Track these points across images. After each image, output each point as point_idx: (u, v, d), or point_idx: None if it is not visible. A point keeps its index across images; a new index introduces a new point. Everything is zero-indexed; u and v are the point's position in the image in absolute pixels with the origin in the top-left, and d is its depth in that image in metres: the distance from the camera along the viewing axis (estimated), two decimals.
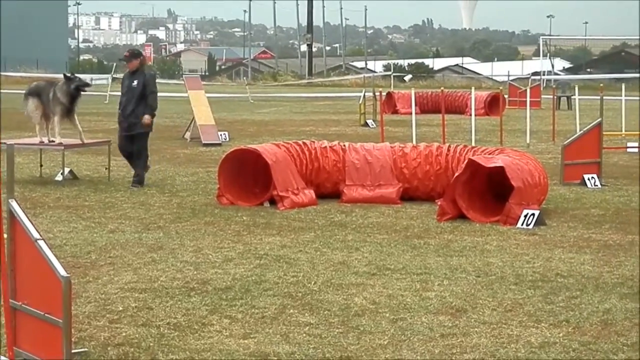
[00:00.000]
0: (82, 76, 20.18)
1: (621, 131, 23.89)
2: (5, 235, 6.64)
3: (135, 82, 16.13)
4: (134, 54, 16.83)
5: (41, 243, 6.29)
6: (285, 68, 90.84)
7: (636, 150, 22.23)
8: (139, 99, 16.09)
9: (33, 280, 6.51)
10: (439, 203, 13.79)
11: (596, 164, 17.41)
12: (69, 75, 16.76)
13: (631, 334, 8.11)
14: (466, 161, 13.88)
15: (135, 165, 16.31)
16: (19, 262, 6.63)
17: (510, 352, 7.63)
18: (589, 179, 16.93)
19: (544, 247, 11.80)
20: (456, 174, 13.80)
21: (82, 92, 16.72)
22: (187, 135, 25.30)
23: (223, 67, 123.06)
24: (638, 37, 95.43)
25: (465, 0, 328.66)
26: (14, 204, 6.51)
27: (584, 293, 9.52)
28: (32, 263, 6.44)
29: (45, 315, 6.35)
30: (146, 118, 16.04)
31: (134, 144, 16.24)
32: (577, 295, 9.45)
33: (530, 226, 12.86)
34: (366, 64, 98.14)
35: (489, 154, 14.30)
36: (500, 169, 13.37)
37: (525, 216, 13.00)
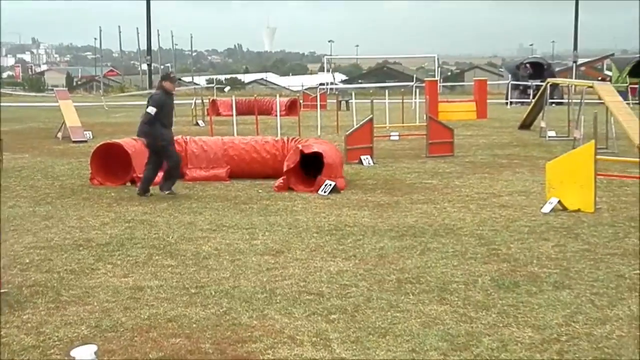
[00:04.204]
0: None
1: (386, 124, 24.73)
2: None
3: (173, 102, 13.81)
4: (173, 77, 13.91)
5: None
6: (130, 83, 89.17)
7: (397, 138, 23.20)
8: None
9: None
10: (279, 181, 13.95)
11: (369, 148, 17.94)
12: None
13: (399, 262, 8.71)
14: (294, 149, 14.13)
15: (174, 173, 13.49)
16: None
17: (316, 278, 8.05)
18: (364, 159, 17.47)
19: (336, 207, 12.19)
20: (287, 158, 14.01)
21: None
22: (59, 134, 24.75)
23: (79, 82, 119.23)
24: (395, 57, 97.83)
25: (266, 29, 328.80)
26: None
27: (365, 237, 10.00)
28: None
29: None
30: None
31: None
32: (360, 238, 9.92)
33: (326, 193, 13.32)
34: (193, 78, 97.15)
35: (305, 143, 14.48)
36: (317, 153, 13.82)
37: (325, 185, 13.51)
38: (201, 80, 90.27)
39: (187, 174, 15.22)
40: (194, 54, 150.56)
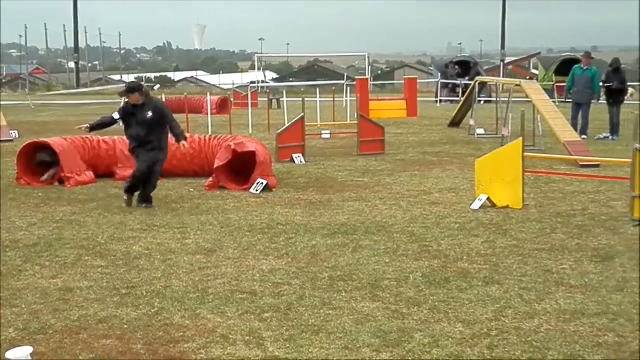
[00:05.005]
0: None
1: (317, 123, 24.80)
2: None
3: (150, 114, 11.94)
4: (131, 88, 12.40)
5: None
6: (57, 81, 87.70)
7: (328, 136, 23.27)
8: (155, 129, 12.04)
9: None
10: (210, 180, 13.87)
11: (301, 146, 17.97)
12: None
13: (331, 260, 8.75)
14: (225, 147, 14.03)
15: (146, 187, 12.21)
16: None
17: (248, 277, 8.05)
18: (296, 157, 17.48)
19: (268, 205, 12.19)
20: (218, 156, 13.91)
21: None
22: None
23: (4, 81, 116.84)
24: (326, 55, 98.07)
25: (196, 27, 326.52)
26: None
27: (297, 235, 10.03)
28: None
29: None
30: (184, 144, 12.19)
31: (153, 172, 12.13)
32: (292, 236, 9.94)
33: (259, 191, 13.31)
34: (122, 77, 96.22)
35: (237, 141, 14.34)
36: (249, 152, 13.76)
37: (257, 184, 13.49)
38: (130, 78, 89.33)
39: (117, 173, 15.06)
40: (122, 52, 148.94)
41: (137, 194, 12.31)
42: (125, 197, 12.26)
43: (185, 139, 12.32)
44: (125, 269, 8.44)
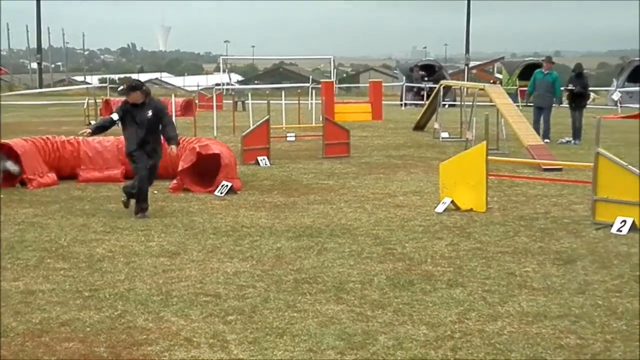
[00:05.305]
0: None
1: (282, 125, 24.78)
2: None
3: (150, 114, 11.32)
4: (132, 86, 11.65)
5: None
6: (19, 81, 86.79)
7: (293, 139, 23.26)
8: (155, 130, 11.47)
9: None
10: (174, 182, 13.80)
11: (266, 149, 17.89)
12: None
13: (296, 263, 8.76)
14: (190, 149, 13.95)
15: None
16: None
17: (213, 279, 8.04)
18: (261, 160, 17.44)
19: (232, 208, 12.17)
20: (182, 158, 13.79)
21: None
22: None
23: None
24: (291, 58, 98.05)
25: (161, 28, 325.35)
26: None
27: (262, 237, 10.02)
28: None
29: None
30: (174, 149, 11.62)
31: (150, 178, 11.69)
32: (257, 239, 9.94)
33: (223, 194, 13.28)
34: (85, 77, 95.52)
35: (202, 143, 14.26)
36: (214, 154, 13.73)
37: (221, 186, 13.44)
38: (94, 79, 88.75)
39: (80, 175, 14.95)
40: (86, 52, 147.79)
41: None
42: (124, 199, 11.71)
43: (178, 144, 11.76)
44: (88, 272, 8.38)
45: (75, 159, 15.14)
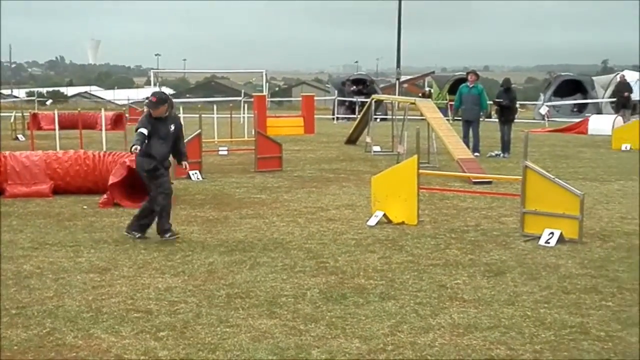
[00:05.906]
0: None
1: (214, 139, 24.66)
2: None
3: (173, 127, 10.70)
4: (162, 99, 10.77)
5: None
6: None
7: (226, 152, 23.17)
8: (175, 144, 10.88)
9: None
10: (104, 197, 13.61)
11: (198, 163, 17.82)
12: None
13: (228, 277, 8.72)
14: (120, 163, 13.79)
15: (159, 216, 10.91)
16: None
17: (144, 295, 7.94)
18: (193, 174, 17.30)
19: None
20: (112, 173, 13.64)
21: None
22: None
23: None
24: (223, 71, 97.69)
25: (90, 42, 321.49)
26: None
27: (194, 252, 9.97)
28: None
29: None
30: (187, 165, 11.36)
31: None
32: (189, 254, 9.87)
33: None
34: (12, 91, 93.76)
35: (132, 157, 13.87)
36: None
37: None
38: (21, 93, 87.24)
39: (7, 190, 14.66)
40: (12, 65, 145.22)
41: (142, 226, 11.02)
42: (138, 235, 10.90)
43: (187, 159, 11.34)
44: (15, 289, 8.22)
45: (1, 173, 14.83)
